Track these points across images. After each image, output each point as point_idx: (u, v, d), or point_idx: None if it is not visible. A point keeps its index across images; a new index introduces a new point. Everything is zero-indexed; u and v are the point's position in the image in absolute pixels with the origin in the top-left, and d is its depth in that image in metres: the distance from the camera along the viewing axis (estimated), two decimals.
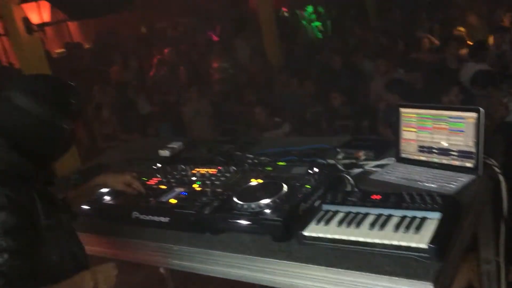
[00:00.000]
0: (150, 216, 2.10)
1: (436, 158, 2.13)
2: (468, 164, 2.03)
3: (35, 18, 5.66)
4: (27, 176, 1.59)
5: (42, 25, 5.72)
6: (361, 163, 2.30)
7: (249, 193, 2.01)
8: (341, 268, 1.62)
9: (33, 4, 5.57)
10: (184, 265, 2.02)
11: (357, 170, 2.24)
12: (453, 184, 1.94)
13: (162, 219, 2.07)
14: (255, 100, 6.62)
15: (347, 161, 2.33)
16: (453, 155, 2.07)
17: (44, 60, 5.97)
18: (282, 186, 1.99)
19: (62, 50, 10.94)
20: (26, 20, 5.66)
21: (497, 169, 2.05)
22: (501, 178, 2.05)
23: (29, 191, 1.56)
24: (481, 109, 1.97)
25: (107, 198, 2.29)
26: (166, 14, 11.94)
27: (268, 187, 2.02)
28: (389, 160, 2.27)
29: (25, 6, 5.54)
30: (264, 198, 1.92)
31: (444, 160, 2.10)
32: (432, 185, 1.96)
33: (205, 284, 3.19)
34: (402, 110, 2.22)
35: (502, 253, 2.22)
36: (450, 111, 2.07)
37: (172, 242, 2.02)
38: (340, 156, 2.40)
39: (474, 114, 1.99)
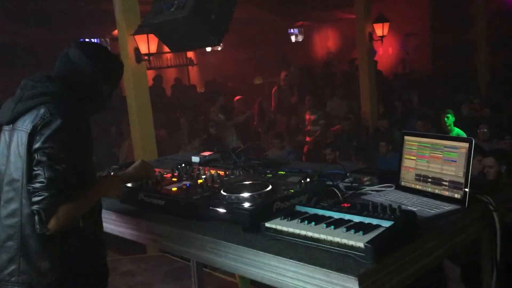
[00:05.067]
0: (152, 199, 2.31)
1: (429, 188, 2.10)
2: (457, 195, 1.98)
3: (143, 49, 6.37)
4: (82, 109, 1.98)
5: (148, 55, 6.41)
6: (362, 186, 2.33)
7: (237, 188, 2.15)
8: (286, 258, 1.68)
9: (144, 36, 6.29)
10: (169, 246, 2.17)
11: (355, 191, 2.28)
12: (433, 210, 1.92)
13: (160, 202, 2.27)
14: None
15: (349, 184, 2.37)
16: (444, 185, 2.04)
17: (146, 89, 6.60)
18: (267, 186, 2.10)
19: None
20: (136, 50, 6.40)
21: (491, 207, 1.98)
22: (495, 216, 1.97)
23: (86, 120, 1.97)
24: (473, 140, 1.94)
25: None
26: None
27: (255, 186, 2.14)
28: (388, 187, 2.27)
29: (137, 37, 6.28)
30: (245, 192, 2.05)
31: (437, 190, 2.07)
32: (413, 209, 1.95)
33: None
34: (407, 138, 2.24)
35: None
36: (446, 141, 2.06)
37: (165, 224, 2.20)
38: (347, 180, 2.44)
39: (466, 144, 1.96)
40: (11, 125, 1.97)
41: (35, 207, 1.79)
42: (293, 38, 15.63)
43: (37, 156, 1.81)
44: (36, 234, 1.85)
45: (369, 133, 8.97)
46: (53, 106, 1.87)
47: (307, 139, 8.94)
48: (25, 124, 1.89)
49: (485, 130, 6.27)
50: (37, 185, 1.79)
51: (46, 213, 1.77)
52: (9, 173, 1.93)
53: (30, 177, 1.83)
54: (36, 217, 1.79)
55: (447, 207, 1.94)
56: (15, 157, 1.90)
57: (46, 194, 1.77)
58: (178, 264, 4.96)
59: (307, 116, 9.01)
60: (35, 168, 1.82)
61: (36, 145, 1.82)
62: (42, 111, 1.86)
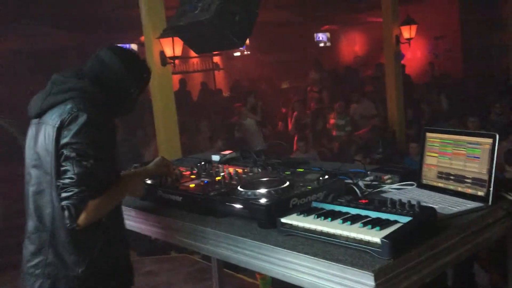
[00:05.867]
0: (170, 195, 2.31)
1: (452, 185, 2.04)
2: (480, 193, 1.92)
3: (168, 52, 6.43)
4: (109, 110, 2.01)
5: (173, 58, 6.47)
6: (383, 184, 2.28)
7: (254, 184, 2.12)
8: (302, 253, 1.65)
9: (169, 39, 6.35)
10: (186, 242, 2.17)
11: (374, 189, 2.23)
12: (455, 208, 1.86)
13: (177, 198, 2.27)
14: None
15: (369, 182, 2.32)
16: (467, 182, 1.97)
17: (171, 92, 6.66)
18: (284, 182, 2.08)
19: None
20: (162, 53, 6.46)
21: None
22: None
23: (111, 117, 2.01)
24: (496, 135, 1.88)
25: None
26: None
27: (272, 182, 2.11)
28: (409, 185, 2.22)
29: (162, 40, 6.34)
30: (262, 188, 2.02)
31: (459, 188, 2.01)
32: (435, 206, 1.89)
33: None
34: (428, 134, 2.18)
35: None
36: (469, 137, 2.00)
37: (182, 220, 2.19)
38: (367, 178, 2.40)
39: (489, 140, 1.90)
40: (38, 119, 2.00)
41: (65, 202, 1.81)
42: (321, 45, 15.55)
43: (65, 151, 1.83)
44: (66, 227, 1.87)
45: (395, 138, 8.84)
46: (80, 101, 1.90)
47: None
48: (52, 118, 1.91)
49: None
50: (67, 181, 1.81)
51: (76, 208, 1.79)
52: (39, 165, 1.94)
53: (58, 172, 1.85)
54: (66, 212, 1.81)
55: (470, 204, 1.88)
56: (43, 150, 1.92)
57: (75, 189, 1.79)
58: (199, 265, 4.97)
59: (332, 121, 8.96)
60: (63, 164, 1.84)
61: (64, 141, 1.84)
62: (69, 106, 1.89)
